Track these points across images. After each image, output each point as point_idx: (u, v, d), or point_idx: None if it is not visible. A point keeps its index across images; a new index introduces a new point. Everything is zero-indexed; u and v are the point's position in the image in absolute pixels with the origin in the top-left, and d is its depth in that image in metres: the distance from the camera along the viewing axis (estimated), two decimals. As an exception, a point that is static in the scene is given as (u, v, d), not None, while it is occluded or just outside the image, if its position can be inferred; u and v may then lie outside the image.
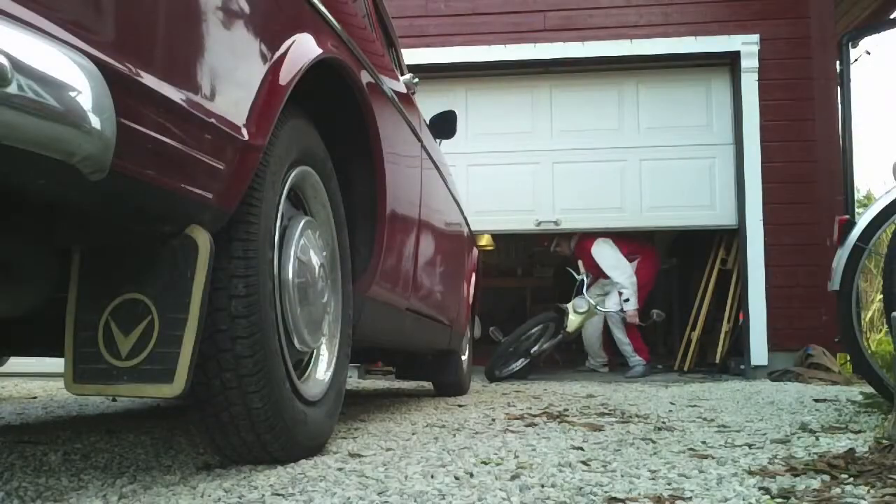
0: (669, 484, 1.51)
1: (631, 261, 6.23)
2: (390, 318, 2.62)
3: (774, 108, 5.98)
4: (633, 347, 6.26)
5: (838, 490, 1.44)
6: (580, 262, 6.30)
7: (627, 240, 6.32)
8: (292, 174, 1.74)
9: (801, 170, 5.94)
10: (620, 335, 6.28)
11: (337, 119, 2.08)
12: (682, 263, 7.93)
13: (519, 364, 5.83)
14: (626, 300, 6.04)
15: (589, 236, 6.23)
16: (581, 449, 1.98)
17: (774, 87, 5.99)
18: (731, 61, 6.15)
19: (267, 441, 1.56)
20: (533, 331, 5.89)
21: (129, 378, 1.30)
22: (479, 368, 5.39)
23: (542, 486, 1.47)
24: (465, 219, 4.27)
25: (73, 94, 0.96)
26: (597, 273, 6.24)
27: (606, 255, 6.11)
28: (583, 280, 6.16)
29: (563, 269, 6.74)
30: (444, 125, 3.80)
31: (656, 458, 1.83)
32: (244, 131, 1.42)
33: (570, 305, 6.01)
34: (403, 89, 2.82)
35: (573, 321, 5.99)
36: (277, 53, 1.57)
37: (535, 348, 5.89)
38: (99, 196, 1.15)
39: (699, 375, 6.28)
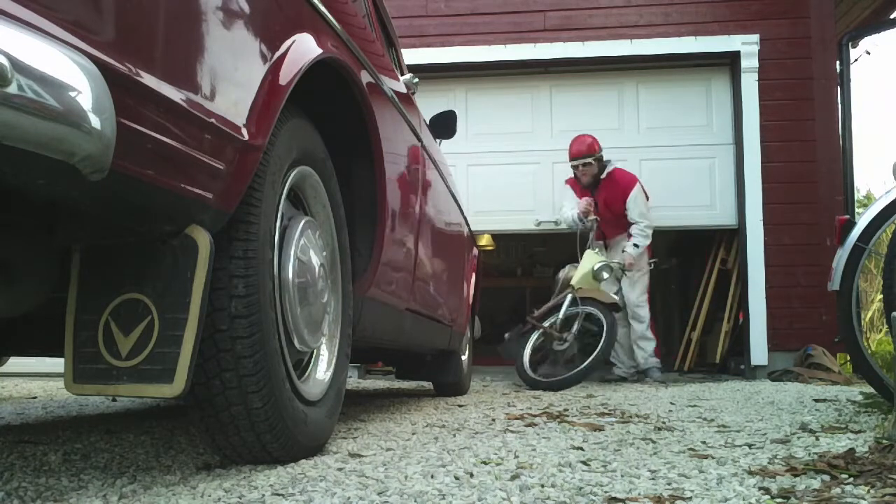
0: (669, 484, 1.51)
1: None
2: (390, 318, 2.62)
3: (774, 108, 5.98)
4: (655, 345, 5.53)
5: (838, 490, 1.43)
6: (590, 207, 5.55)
7: None
8: (292, 174, 1.74)
9: (801, 170, 5.94)
10: (644, 330, 5.53)
11: (337, 119, 2.08)
12: (682, 263, 7.95)
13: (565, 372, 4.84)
14: (636, 245, 5.42)
15: (627, 174, 5.64)
16: (581, 449, 1.98)
17: (774, 87, 6.00)
18: (731, 61, 6.15)
19: (267, 441, 1.56)
20: (553, 317, 5.10)
21: (129, 378, 1.30)
22: (479, 368, 5.38)
23: (542, 486, 1.47)
24: (465, 219, 4.27)
25: (73, 94, 0.96)
26: (609, 217, 5.59)
27: (641, 202, 5.56)
28: (592, 227, 5.48)
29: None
30: (444, 125, 3.80)
31: (656, 458, 1.83)
32: (244, 131, 1.42)
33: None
34: (403, 89, 2.82)
35: (581, 276, 5.11)
36: (277, 53, 1.57)
37: (564, 347, 4.97)
38: (99, 196, 1.15)
39: (699, 375, 6.29)
